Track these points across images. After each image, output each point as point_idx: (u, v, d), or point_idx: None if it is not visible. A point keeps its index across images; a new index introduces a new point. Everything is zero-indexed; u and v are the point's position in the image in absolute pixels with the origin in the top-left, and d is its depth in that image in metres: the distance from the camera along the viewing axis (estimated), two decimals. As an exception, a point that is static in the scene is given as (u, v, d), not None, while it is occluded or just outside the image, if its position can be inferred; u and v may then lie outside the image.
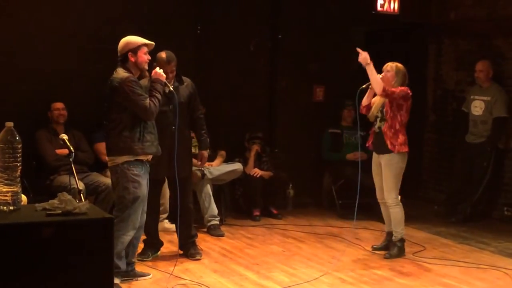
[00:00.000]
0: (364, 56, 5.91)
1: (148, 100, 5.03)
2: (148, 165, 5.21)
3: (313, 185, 8.48)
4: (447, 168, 8.52)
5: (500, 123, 7.64)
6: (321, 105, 8.55)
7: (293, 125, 8.37)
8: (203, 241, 6.55)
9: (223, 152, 7.55)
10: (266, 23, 8.28)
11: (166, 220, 6.85)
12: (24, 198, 5.09)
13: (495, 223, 7.77)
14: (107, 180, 6.26)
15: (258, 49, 8.20)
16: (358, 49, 5.96)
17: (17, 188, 3.56)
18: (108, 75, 5.11)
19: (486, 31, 8.14)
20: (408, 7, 8.30)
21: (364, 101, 6.18)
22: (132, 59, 5.08)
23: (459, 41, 8.57)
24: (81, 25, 7.05)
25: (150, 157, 5.22)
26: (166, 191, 6.57)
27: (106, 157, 5.23)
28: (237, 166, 7.48)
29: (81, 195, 4.25)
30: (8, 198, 3.52)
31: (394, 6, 8.15)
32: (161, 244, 6.14)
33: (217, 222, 7.00)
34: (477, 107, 7.77)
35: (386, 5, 8.16)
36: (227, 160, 7.56)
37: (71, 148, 4.71)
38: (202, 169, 6.90)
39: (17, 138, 3.52)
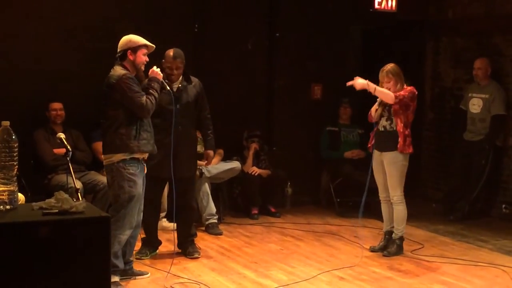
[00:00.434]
0: (359, 83, 5.95)
1: (144, 98, 5.03)
2: (143, 164, 5.21)
3: (311, 183, 8.48)
4: (445, 166, 8.52)
5: (498, 120, 7.64)
6: (319, 103, 8.54)
7: (291, 123, 8.36)
8: (201, 239, 6.55)
9: (221, 151, 7.55)
10: (264, 21, 8.27)
11: (165, 219, 6.85)
12: (21, 197, 5.10)
13: (493, 221, 7.77)
14: (105, 179, 6.22)
15: (256, 47, 8.19)
16: (349, 83, 5.99)
17: (13, 187, 3.55)
18: (107, 75, 5.10)
19: (484, 29, 8.14)
20: (405, 5, 8.29)
21: (376, 117, 6.15)
22: (131, 57, 5.08)
23: (457, 39, 8.57)
24: (79, 24, 7.04)
25: (146, 155, 5.22)
26: (164, 190, 6.57)
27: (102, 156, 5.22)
28: (235, 164, 7.48)
29: (79, 194, 4.25)
30: (5, 197, 3.51)
31: (392, 4, 8.14)
32: (160, 243, 6.14)
33: (215, 221, 7.00)
34: (475, 105, 7.77)
35: (384, 3, 8.15)
36: (225, 158, 7.56)
37: (68, 147, 4.71)
38: (200, 167, 6.90)
39: (14, 137, 3.51)
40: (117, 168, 5.03)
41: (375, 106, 6.13)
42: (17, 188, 3.60)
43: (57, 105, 6.75)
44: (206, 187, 7.02)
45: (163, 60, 5.84)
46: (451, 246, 6.65)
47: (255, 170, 7.70)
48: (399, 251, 6.20)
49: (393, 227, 6.26)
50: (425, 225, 7.47)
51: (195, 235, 6.25)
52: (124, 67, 5.08)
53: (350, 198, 7.81)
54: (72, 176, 4.55)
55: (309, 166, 8.48)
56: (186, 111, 5.88)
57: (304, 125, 8.40)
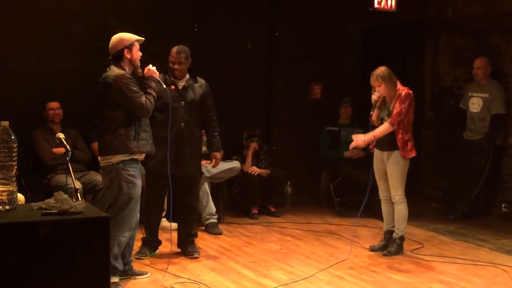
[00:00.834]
0: (360, 140, 6.01)
1: (144, 97, 5.00)
2: (140, 165, 5.19)
3: (311, 182, 8.48)
4: (445, 165, 8.52)
5: (498, 120, 7.64)
6: (319, 103, 8.54)
7: (291, 123, 8.36)
8: (201, 239, 6.55)
9: (221, 151, 7.53)
10: (263, 21, 8.27)
11: (164, 219, 6.84)
12: (21, 197, 5.09)
13: (493, 220, 7.77)
14: (105, 180, 6.25)
15: (255, 47, 8.19)
16: (352, 145, 6.12)
17: (13, 188, 3.54)
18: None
19: (483, 28, 8.13)
20: (405, 4, 8.29)
21: (376, 122, 6.13)
22: (128, 56, 5.04)
23: (456, 38, 8.56)
24: (77, 23, 7.04)
25: (143, 156, 5.21)
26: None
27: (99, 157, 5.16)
28: (235, 164, 7.47)
29: (78, 194, 4.24)
30: (4, 197, 3.50)
31: (391, 3, 8.14)
32: (160, 243, 6.14)
33: (215, 220, 7.00)
34: (475, 104, 7.77)
35: (383, 2, 8.15)
36: (225, 158, 7.55)
37: (68, 147, 4.69)
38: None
39: (13, 137, 3.50)
40: (117, 169, 4.99)
41: (374, 111, 6.11)
42: (16, 188, 3.60)
43: (54, 104, 6.75)
44: (206, 186, 7.01)
45: (169, 57, 5.88)
46: (451, 245, 6.65)
47: (255, 170, 7.70)
48: (400, 250, 6.20)
49: (393, 226, 6.25)
50: (424, 224, 7.46)
51: (196, 235, 6.25)
52: (121, 67, 5.03)
53: (350, 198, 7.81)
54: (71, 177, 4.55)
55: (308, 166, 8.48)
56: (190, 109, 5.88)
57: (303, 124, 8.39)
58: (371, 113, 6.10)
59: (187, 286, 5.26)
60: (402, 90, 6.00)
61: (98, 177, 6.59)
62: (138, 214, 5.24)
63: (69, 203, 3.51)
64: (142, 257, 5.89)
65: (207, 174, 7.05)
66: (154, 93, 5.13)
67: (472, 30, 8.32)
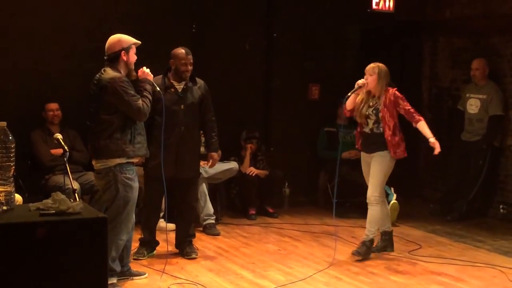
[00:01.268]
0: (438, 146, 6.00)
1: (140, 101, 4.93)
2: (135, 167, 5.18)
3: (309, 183, 8.48)
4: (443, 167, 8.51)
5: (496, 121, 7.65)
6: (317, 104, 8.54)
7: (289, 124, 8.36)
8: (199, 240, 6.54)
9: (219, 151, 7.53)
10: (261, 21, 8.27)
11: (162, 220, 6.84)
12: (19, 197, 5.08)
13: (490, 221, 7.78)
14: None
15: (253, 47, 8.19)
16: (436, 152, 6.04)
17: (10, 188, 3.54)
18: (102, 75, 5.06)
19: (481, 29, 8.14)
20: (403, 5, 8.30)
21: (349, 105, 6.05)
22: (125, 58, 4.98)
23: (454, 39, 8.57)
24: (75, 24, 7.03)
25: (139, 159, 5.20)
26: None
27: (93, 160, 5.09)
28: (233, 165, 7.47)
29: (76, 194, 4.23)
30: (2, 198, 3.51)
31: (390, 4, 8.16)
32: (157, 243, 6.13)
33: (213, 221, 7.00)
34: (473, 105, 7.77)
35: (382, 3, 8.16)
36: (223, 159, 7.55)
37: (66, 148, 4.67)
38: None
39: (10, 137, 3.51)
40: (114, 173, 4.94)
41: (350, 101, 5.99)
42: (14, 189, 3.60)
43: (53, 106, 6.74)
44: (204, 187, 7.01)
45: (172, 60, 5.83)
46: (449, 246, 6.65)
47: (253, 171, 7.70)
48: (368, 253, 6.06)
49: (388, 227, 6.22)
50: (422, 225, 7.47)
51: (194, 235, 6.24)
52: (116, 69, 4.96)
53: (348, 199, 7.80)
54: (69, 177, 4.54)
55: (306, 167, 8.48)
56: (190, 112, 5.88)
57: (301, 125, 8.39)
58: (348, 94, 5.98)
59: (184, 286, 5.25)
60: (394, 90, 5.95)
61: (96, 178, 6.60)
62: (134, 215, 5.22)
63: (67, 204, 3.51)
64: (140, 258, 5.89)
65: (205, 175, 7.05)
66: (149, 96, 5.06)
67: (470, 32, 8.32)
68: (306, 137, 8.42)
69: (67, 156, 4.58)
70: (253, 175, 7.69)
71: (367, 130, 6.06)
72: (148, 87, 5.12)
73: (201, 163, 6.48)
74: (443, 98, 8.75)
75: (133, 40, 5.05)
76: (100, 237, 3.47)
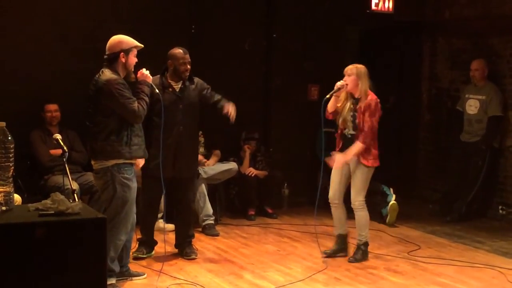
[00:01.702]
0: (340, 161, 5.89)
1: (136, 104, 4.91)
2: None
3: (308, 184, 8.46)
4: (442, 167, 8.52)
5: (495, 122, 7.64)
6: (316, 104, 8.49)
7: (288, 124, 8.35)
8: (198, 240, 6.54)
9: (218, 152, 7.55)
10: (261, 22, 8.27)
11: (161, 220, 6.83)
12: (18, 198, 5.09)
13: (490, 222, 7.78)
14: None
15: (253, 48, 8.18)
16: (334, 166, 5.96)
17: (9, 188, 3.54)
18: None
19: (480, 30, 8.14)
20: (402, 6, 8.30)
21: (330, 108, 6.04)
22: (123, 60, 4.97)
23: (453, 40, 8.57)
24: (74, 25, 7.03)
25: (141, 161, 5.20)
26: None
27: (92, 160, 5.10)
28: (232, 165, 7.47)
29: (75, 195, 4.23)
30: (1, 198, 3.51)
31: (389, 5, 8.16)
32: (155, 243, 6.14)
33: (212, 222, 7.00)
34: (472, 106, 7.77)
35: (381, 4, 8.17)
36: (222, 159, 7.56)
37: (65, 148, 4.67)
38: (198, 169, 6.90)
39: (9, 138, 3.51)
40: (112, 172, 4.94)
41: (330, 104, 5.98)
42: (13, 189, 3.60)
43: (52, 107, 6.74)
44: (203, 188, 7.01)
45: (170, 61, 5.83)
46: (448, 247, 6.65)
47: (252, 171, 7.70)
48: (365, 256, 6.05)
49: (344, 230, 6.15)
50: (421, 226, 7.47)
51: (193, 236, 6.24)
52: (114, 70, 4.95)
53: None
54: (68, 177, 4.54)
55: (306, 167, 8.47)
56: (189, 111, 5.88)
57: (301, 126, 8.39)
58: (327, 96, 5.95)
59: (183, 287, 5.25)
60: (372, 100, 5.85)
61: (95, 178, 6.60)
62: (135, 216, 5.22)
63: (66, 204, 3.51)
64: (139, 255, 5.90)
65: (204, 176, 7.06)
66: (146, 98, 5.05)
67: (469, 32, 8.33)
68: (305, 137, 8.41)
69: (66, 156, 4.59)
70: (253, 175, 7.69)
71: (347, 133, 6.01)
72: (146, 89, 5.10)
73: (201, 158, 6.42)
74: (442, 99, 8.74)
75: (135, 43, 5.03)
76: (99, 238, 3.47)
